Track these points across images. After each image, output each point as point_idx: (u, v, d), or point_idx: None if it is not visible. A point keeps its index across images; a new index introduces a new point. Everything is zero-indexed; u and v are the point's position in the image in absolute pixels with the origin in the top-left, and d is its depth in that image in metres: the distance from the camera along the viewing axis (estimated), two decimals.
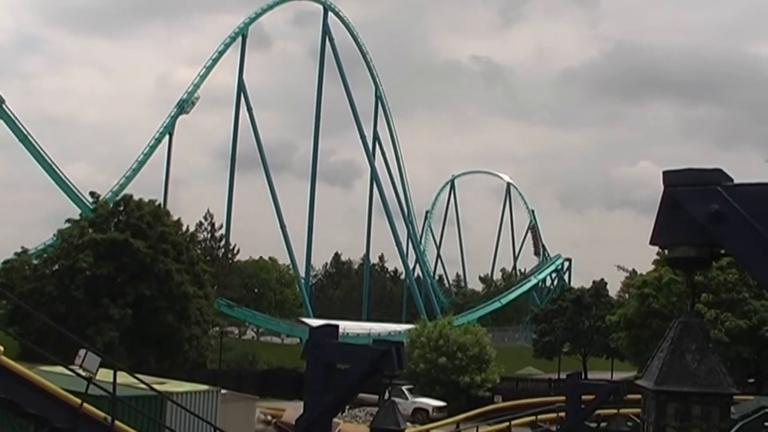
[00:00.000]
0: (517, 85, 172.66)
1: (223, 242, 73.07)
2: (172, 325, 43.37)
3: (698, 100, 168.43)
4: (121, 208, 46.56)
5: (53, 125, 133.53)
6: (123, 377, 13.98)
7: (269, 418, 36.08)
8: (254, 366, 54.44)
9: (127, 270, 43.16)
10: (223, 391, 23.84)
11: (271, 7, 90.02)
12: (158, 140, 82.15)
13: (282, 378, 47.36)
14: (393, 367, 7.67)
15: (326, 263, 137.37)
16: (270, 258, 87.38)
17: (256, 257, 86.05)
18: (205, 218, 69.14)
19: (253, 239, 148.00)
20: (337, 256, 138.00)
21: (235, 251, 76.86)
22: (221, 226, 73.18)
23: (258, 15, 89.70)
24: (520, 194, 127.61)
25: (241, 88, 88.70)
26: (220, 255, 70.81)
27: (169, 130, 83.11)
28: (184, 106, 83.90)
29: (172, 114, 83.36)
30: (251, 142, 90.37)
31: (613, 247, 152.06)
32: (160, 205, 50.91)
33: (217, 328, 51.93)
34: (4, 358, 11.34)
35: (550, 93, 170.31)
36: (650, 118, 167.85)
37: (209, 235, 69.01)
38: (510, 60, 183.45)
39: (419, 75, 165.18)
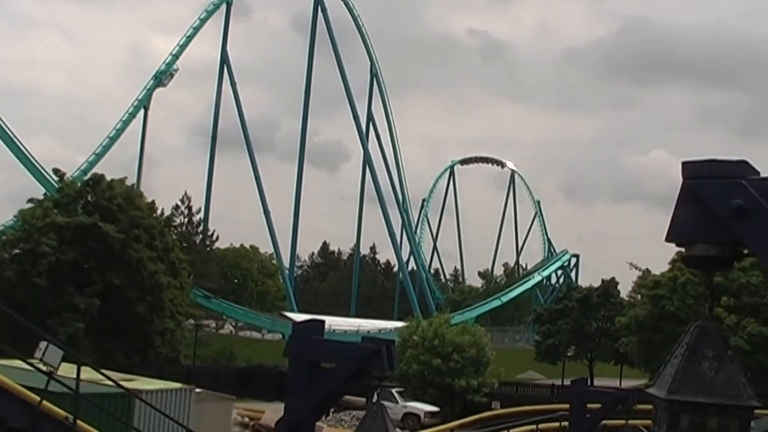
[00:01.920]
0: (517, 64, 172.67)
1: (200, 228, 73.03)
2: (143, 316, 43.29)
3: (717, 85, 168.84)
4: (90, 189, 46.38)
5: (12, 95, 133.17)
6: (87, 373, 13.90)
7: (247, 420, 36.10)
8: (232, 363, 54.55)
9: (95, 256, 43.01)
10: (197, 390, 23.80)
11: None
12: (132, 115, 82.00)
13: (262, 377, 47.42)
14: (383, 367, 7.66)
15: (313, 253, 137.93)
16: (251, 246, 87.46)
17: (237, 245, 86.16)
18: (182, 201, 69.06)
19: (234, 225, 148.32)
20: (324, 245, 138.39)
21: (214, 238, 76.96)
22: (199, 210, 73.19)
23: None
24: (525, 183, 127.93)
25: (224, 60, 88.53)
26: (198, 242, 70.77)
27: (144, 103, 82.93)
28: (161, 79, 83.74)
29: (148, 86, 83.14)
30: (233, 120, 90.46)
31: (622, 243, 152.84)
32: (132, 185, 50.76)
33: (192, 321, 51.94)
34: None
35: (554, 74, 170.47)
36: (663, 103, 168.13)
37: (186, 220, 68.93)
38: (510, 36, 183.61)
39: (413, 51, 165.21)
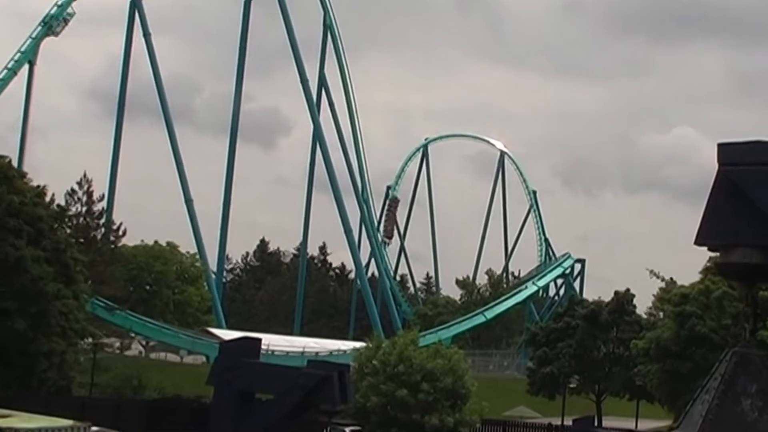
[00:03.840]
0: (504, 16, 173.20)
1: (103, 220, 72.38)
2: (23, 334, 42.78)
3: (758, 44, 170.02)
4: None
5: None
6: None
7: None
8: (140, 393, 54.27)
9: None
10: (93, 429, 23.61)
11: None
12: (12, 71, 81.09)
13: (178, 411, 47.15)
14: (334, 399, 7.65)
15: (247, 253, 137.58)
16: (168, 243, 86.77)
17: (150, 241, 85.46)
18: (80, 185, 68.34)
19: (146, 217, 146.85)
20: (262, 244, 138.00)
21: (120, 233, 76.19)
22: (101, 198, 72.53)
23: None
24: (517, 169, 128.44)
25: (135, 4, 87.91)
26: (99, 238, 70.16)
27: (29, 57, 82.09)
28: (51, 25, 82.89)
29: (34, 35, 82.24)
30: (144, 81, 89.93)
31: (638, 246, 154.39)
32: (9, 162, 50.09)
33: (90, 340, 51.44)
34: None
35: (550, 29, 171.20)
36: (690, 67, 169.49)
37: (84, 210, 68.29)
38: None
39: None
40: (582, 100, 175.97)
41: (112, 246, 73.52)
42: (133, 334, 75.82)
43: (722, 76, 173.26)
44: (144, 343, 78.67)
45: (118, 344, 73.35)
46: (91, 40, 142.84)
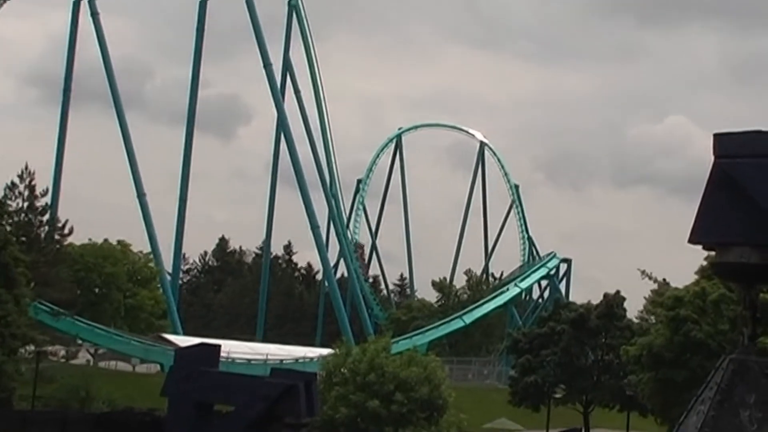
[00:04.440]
0: None
1: (47, 216, 72.03)
2: None
3: (757, 27, 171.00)
4: None
5: None
6: None
7: None
8: (88, 406, 54.07)
9: None
10: None
11: None
12: None
13: (130, 424, 47.06)
14: (300, 411, 7.64)
15: (205, 253, 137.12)
16: (119, 242, 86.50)
17: (99, 240, 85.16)
18: (21, 178, 68.03)
19: (95, 213, 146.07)
20: (222, 242, 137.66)
21: (66, 231, 75.87)
22: (45, 192, 72.17)
23: None
24: (498, 162, 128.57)
25: None
26: (43, 236, 69.83)
27: None
28: None
29: None
30: (91, 64, 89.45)
31: (628, 244, 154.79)
32: None
33: (32, 348, 51.16)
34: None
35: (534, 10, 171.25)
36: (684, 51, 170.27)
37: (26, 205, 67.97)
38: None
39: None
40: (567, 87, 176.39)
41: (57, 245, 73.17)
42: (80, 342, 75.45)
43: (719, 62, 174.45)
44: (92, 351, 78.27)
45: (63, 352, 72.98)
46: (31, 19, 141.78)
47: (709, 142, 6.73)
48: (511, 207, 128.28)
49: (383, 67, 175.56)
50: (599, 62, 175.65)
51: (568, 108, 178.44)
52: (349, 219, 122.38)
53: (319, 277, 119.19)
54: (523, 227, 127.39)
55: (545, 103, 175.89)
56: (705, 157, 6.78)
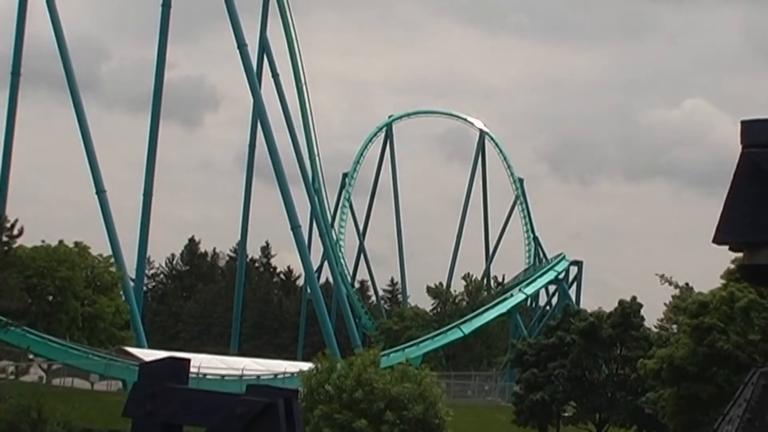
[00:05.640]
0: None
1: None
2: None
3: None
4: None
5: None
6: None
7: None
8: (40, 428, 54.08)
9: None
10: None
11: None
12: None
13: None
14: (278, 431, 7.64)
15: (173, 255, 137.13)
16: (76, 244, 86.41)
17: (53, 242, 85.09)
18: None
19: (48, 211, 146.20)
20: (191, 244, 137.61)
21: (16, 231, 75.80)
22: None
23: None
24: (501, 153, 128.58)
25: None
26: None
27: None
28: None
29: None
30: (40, 43, 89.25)
31: (644, 244, 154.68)
32: None
33: None
34: None
35: None
36: (703, 26, 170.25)
37: None
38: None
39: None
40: (572, 68, 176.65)
41: (5, 248, 73.10)
42: (31, 356, 75.26)
43: (743, 37, 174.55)
44: (45, 366, 78.17)
45: (12, 368, 72.89)
46: None
47: (733, 129, 6.73)
48: (514, 203, 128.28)
49: (370, 48, 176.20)
50: (607, 40, 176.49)
51: (573, 91, 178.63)
52: (333, 217, 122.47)
53: (301, 282, 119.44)
54: (529, 226, 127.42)
55: (548, 86, 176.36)
56: (728, 145, 6.83)
